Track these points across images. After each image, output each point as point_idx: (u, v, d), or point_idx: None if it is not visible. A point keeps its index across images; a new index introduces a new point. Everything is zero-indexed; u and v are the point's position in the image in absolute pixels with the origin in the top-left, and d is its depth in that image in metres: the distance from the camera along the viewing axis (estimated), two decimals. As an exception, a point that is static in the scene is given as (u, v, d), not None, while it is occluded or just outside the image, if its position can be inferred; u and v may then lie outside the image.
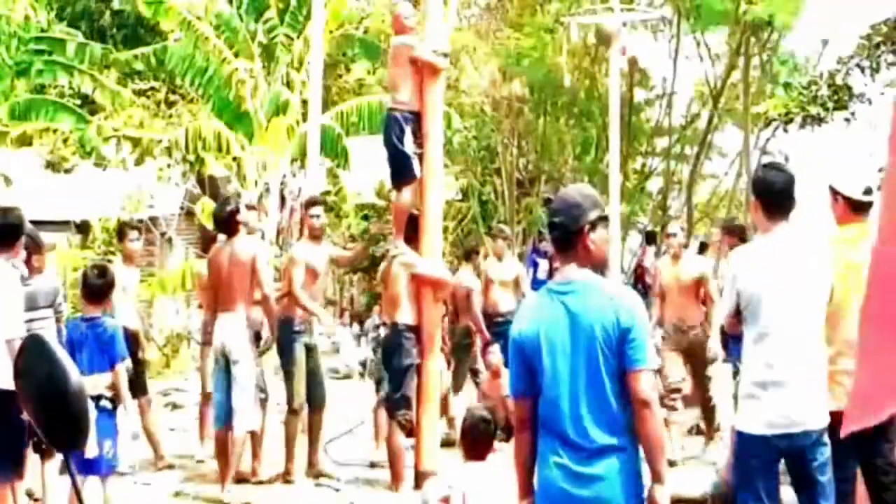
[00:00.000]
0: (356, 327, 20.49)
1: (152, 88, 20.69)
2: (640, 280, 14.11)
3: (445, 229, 13.91)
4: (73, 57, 16.95)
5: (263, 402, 7.27)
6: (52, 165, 18.10)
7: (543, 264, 12.14)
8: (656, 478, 3.25)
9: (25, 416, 4.10)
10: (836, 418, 3.56)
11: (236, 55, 16.43)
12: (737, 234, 7.77)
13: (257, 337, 7.28)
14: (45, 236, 6.93)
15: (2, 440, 5.16)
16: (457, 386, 9.53)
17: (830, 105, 13.15)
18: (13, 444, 5.25)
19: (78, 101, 18.52)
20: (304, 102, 14.89)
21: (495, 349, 9.03)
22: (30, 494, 6.04)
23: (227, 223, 7.13)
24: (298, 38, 16.43)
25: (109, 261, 9.55)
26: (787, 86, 15.95)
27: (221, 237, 7.34)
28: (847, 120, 13.48)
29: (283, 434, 7.55)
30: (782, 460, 4.18)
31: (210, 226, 12.59)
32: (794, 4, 18.05)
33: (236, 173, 16.74)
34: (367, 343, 17.13)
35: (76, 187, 17.42)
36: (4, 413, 4.90)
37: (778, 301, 4.08)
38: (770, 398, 4.07)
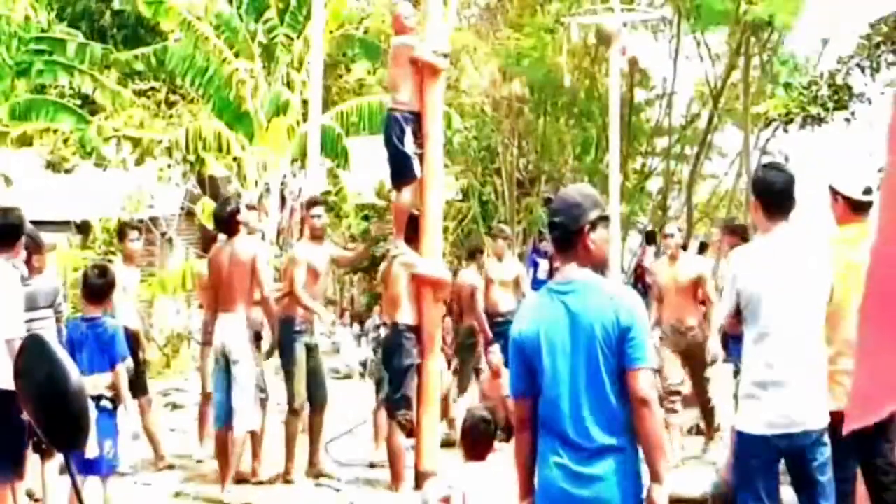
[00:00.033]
0: (356, 327, 20.50)
1: (152, 88, 20.70)
2: (639, 280, 14.12)
3: (445, 229, 13.91)
4: (74, 57, 16.96)
5: (264, 402, 7.27)
6: (52, 165, 18.11)
7: (543, 264, 12.15)
8: (655, 477, 3.25)
9: (25, 416, 4.10)
10: (836, 418, 3.57)
11: (236, 55, 16.44)
12: (738, 233, 7.75)
13: (257, 337, 7.29)
14: (46, 236, 6.93)
15: (2, 440, 5.16)
16: (462, 386, 9.54)
17: (830, 105, 13.15)
18: (13, 444, 5.26)
19: (78, 102, 18.53)
20: (305, 102, 14.90)
21: (495, 349, 9.04)
22: (30, 494, 6.05)
23: (228, 223, 7.13)
24: (298, 38, 16.43)
25: (110, 261, 9.55)
26: (787, 86, 15.96)
27: (222, 237, 7.35)
28: (847, 120, 13.48)
29: (284, 434, 7.56)
30: (782, 460, 4.18)
31: (210, 226, 12.60)
32: (794, 4, 18.05)
33: (236, 173, 16.75)
34: (368, 343, 17.14)
35: (76, 187, 17.43)
36: (4, 413, 4.90)
37: (778, 301, 4.08)
38: (770, 398, 4.07)
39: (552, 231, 3.44)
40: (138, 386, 7.16)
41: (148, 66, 17.36)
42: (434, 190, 7.25)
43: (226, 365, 6.93)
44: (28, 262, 5.89)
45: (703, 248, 15.84)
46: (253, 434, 7.19)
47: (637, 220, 24.61)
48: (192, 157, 16.57)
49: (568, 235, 3.36)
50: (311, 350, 7.63)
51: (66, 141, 17.98)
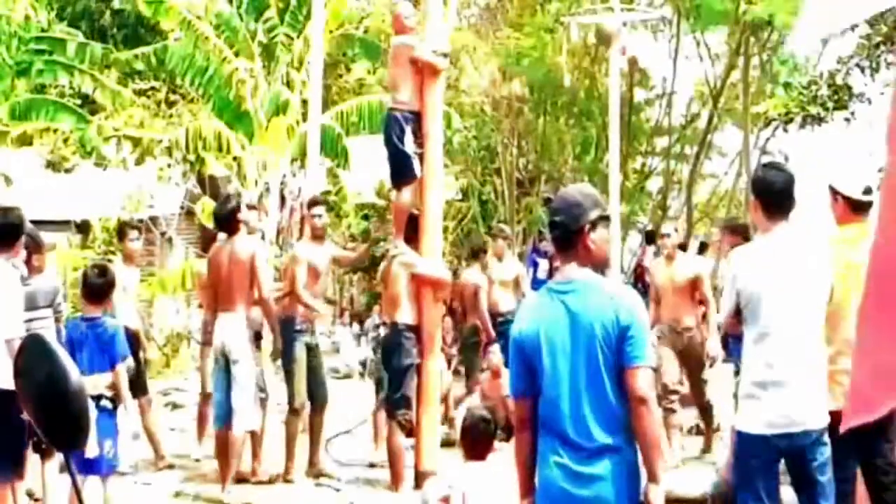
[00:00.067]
0: (356, 327, 20.49)
1: (152, 88, 20.69)
2: (639, 279, 14.12)
3: (445, 229, 13.91)
4: (74, 57, 16.95)
5: (264, 402, 7.28)
6: (52, 165, 18.10)
7: (543, 264, 12.17)
8: (652, 477, 3.25)
9: (25, 415, 4.10)
10: (836, 418, 3.56)
11: (236, 55, 16.44)
12: (740, 233, 7.73)
13: (257, 336, 7.29)
14: (46, 236, 6.94)
15: (2, 440, 5.16)
16: (470, 386, 9.53)
17: (830, 105, 13.14)
18: (13, 444, 5.26)
19: (78, 101, 18.51)
20: (304, 102, 14.88)
21: (495, 349, 9.05)
22: (30, 494, 6.05)
23: (228, 221, 7.12)
24: (298, 37, 16.42)
25: (109, 260, 9.55)
26: (787, 86, 15.94)
27: (221, 236, 7.34)
28: (847, 120, 13.47)
29: (284, 434, 7.56)
30: (782, 460, 4.18)
31: (210, 225, 12.59)
32: (794, 4, 18.04)
33: (236, 173, 16.74)
34: (367, 343, 17.14)
35: (76, 187, 17.42)
36: (4, 413, 4.90)
37: (778, 301, 4.08)
38: (770, 398, 4.07)
39: (552, 230, 3.44)
40: (138, 386, 7.16)
41: (148, 65, 17.34)
42: (434, 190, 7.25)
43: (225, 364, 6.93)
44: (28, 261, 5.89)
45: (703, 248, 15.85)
46: (253, 434, 7.20)
47: (637, 220, 24.58)
48: (192, 157, 16.56)
49: (568, 235, 3.36)
50: (311, 349, 7.64)
51: (66, 140, 17.97)
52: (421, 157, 7.15)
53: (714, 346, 7.92)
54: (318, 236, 7.75)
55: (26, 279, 5.62)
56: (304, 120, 14.75)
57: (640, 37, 19.72)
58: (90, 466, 5.58)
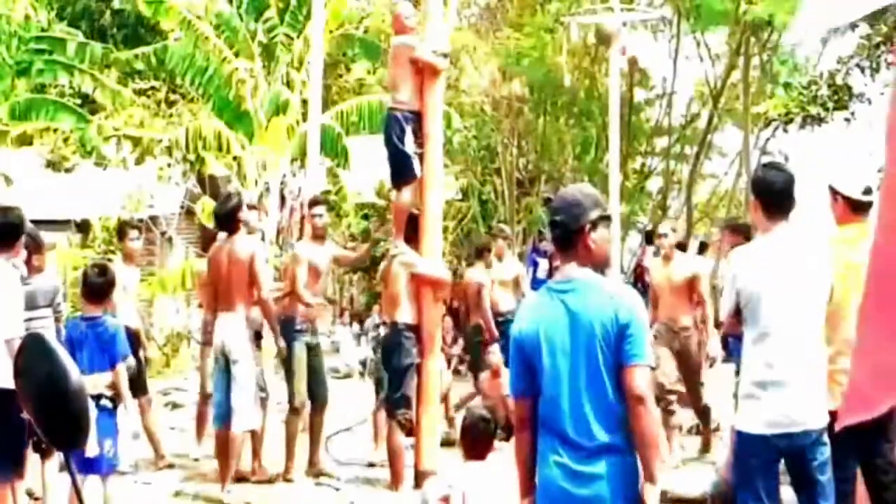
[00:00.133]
0: (356, 327, 20.48)
1: (152, 88, 20.69)
2: (639, 279, 14.11)
3: (445, 229, 13.92)
4: (74, 56, 16.95)
5: (264, 402, 7.28)
6: (52, 165, 18.11)
7: (543, 264, 12.18)
8: (648, 476, 3.24)
9: (25, 415, 4.10)
10: (836, 418, 3.57)
11: (236, 55, 16.44)
12: (741, 232, 7.71)
13: (257, 336, 7.29)
14: (46, 236, 6.94)
15: (2, 440, 5.16)
16: (478, 385, 9.53)
17: (830, 105, 13.13)
18: (13, 444, 5.26)
19: (78, 101, 18.51)
20: (304, 102, 14.88)
21: (495, 349, 9.06)
22: (30, 494, 6.05)
23: (229, 219, 7.11)
24: (298, 37, 16.43)
25: (109, 260, 9.55)
26: (787, 86, 15.92)
27: (221, 236, 7.34)
28: (847, 120, 13.47)
29: (284, 433, 7.56)
30: (782, 460, 4.18)
31: (210, 225, 12.59)
32: (794, 4, 18.03)
33: (236, 173, 16.74)
34: (367, 342, 17.13)
35: (76, 187, 17.43)
36: (4, 412, 4.90)
37: (778, 301, 4.08)
38: (770, 398, 4.07)
39: (553, 230, 3.43)
40: (138, 385, 7.16)
41: (148, 65, 17.35)
42: (434, 189, 7.25)
43: (225, 364, 6.93)
44: (28, 261, 5.90)
45: (702, 247, 15.84)
46: (253, 433, 7.20)
47: (637, 220, 24.59)
48: (191, 157, 16.57)
49: (568, 234, 3.36)
50: (312, 349, 7.64)
51: (66, 140, 17.98)
52: (421, 157, 7.15)
53: (714, 347, 7.91)
54: (318, 236, 7.76)
55: (26, 279, 5.62)
56: (304, 120, 14.75)
57: (640, 37, 19.72)
58: (90, 466, 5.58)
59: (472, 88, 21.44)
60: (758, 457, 4.12)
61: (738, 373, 6.53)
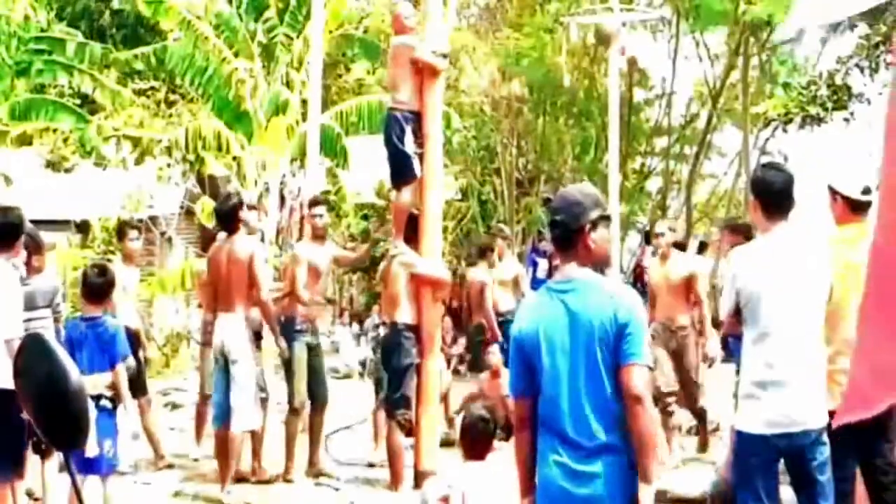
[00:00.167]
0: (356, 327, 20.48)
1: (152, 88, 20.68)
2: (639, 279, 14.12)
3: (445, 229, 13.92)
4: (73, 56, 16.94)
5: (264, 402, 7.28)
6: (52, 165, 18.09)
7: (543, 263, 12.19)
8: (643, 476, 3.23)
9: (25, 415, 4.10)
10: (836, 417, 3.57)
11: (236, 55, 16.43)
12: (742, 232, 7.69)
13: (257, 336, 7.29)
14: (45, 236, 6.93)
15: (2, 440, 5.17)
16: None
17: (830, 105, 13.13)
18: (13, 444, 5.26)
19: (78, 101, 18.51)
20: (304, 102, 14.87)
21: (495, 349, 9.06)
22: (30, 494, 6.05)
23: (230, 217, 7.11)
24: (298, 37, 16.42)
25: (109, 260, 9.55)
26: (786, 86, 15.92)
27: (221, 236, 7.34)
28: (846, 120, 13.46)
29: (284, 433, 7.56)
30: (782, 460, 4.18)
31: (210, 225, 12.59)
32: (793, 4, 18.03)
33: (236, 173, 16.74)
34: (367, 342, 17.13)
35: (76, 187, 17.42)
36: (4, 413, 4.90)
37: (778, 301, 4.08)
38: (770, 398, 4.07)
39: (553, 230, 3.44)
40: (138, 386, 7.16)
41: (147, 65, 17.34)
42: (433, 190, 7.25)
43: (225, 364, 6.93)
44: (28, 261, 5.89)
45: (702, 247, 15.84)
46: (253, 433, 7.20)
47: (636, 220, 24.61)
48: (191, 157, 16.56)
49: (568, 234, 3.36)
50: (312, 349, 7.64)
51: (65, 140, 17.97)
52: (421, 157, 7.15)
53: (713, 347, 7.90)
54: (318, 236, 7.76)
55: (25, 279, 5.62)
56: (304, 120, 14.75)
57: (640, 37, 19.73)
58: (90, 466, 5.57)
59: (472, 88, 21.43)
60: (757, 456, 4.13)
61: (738, 373, 6.55)
